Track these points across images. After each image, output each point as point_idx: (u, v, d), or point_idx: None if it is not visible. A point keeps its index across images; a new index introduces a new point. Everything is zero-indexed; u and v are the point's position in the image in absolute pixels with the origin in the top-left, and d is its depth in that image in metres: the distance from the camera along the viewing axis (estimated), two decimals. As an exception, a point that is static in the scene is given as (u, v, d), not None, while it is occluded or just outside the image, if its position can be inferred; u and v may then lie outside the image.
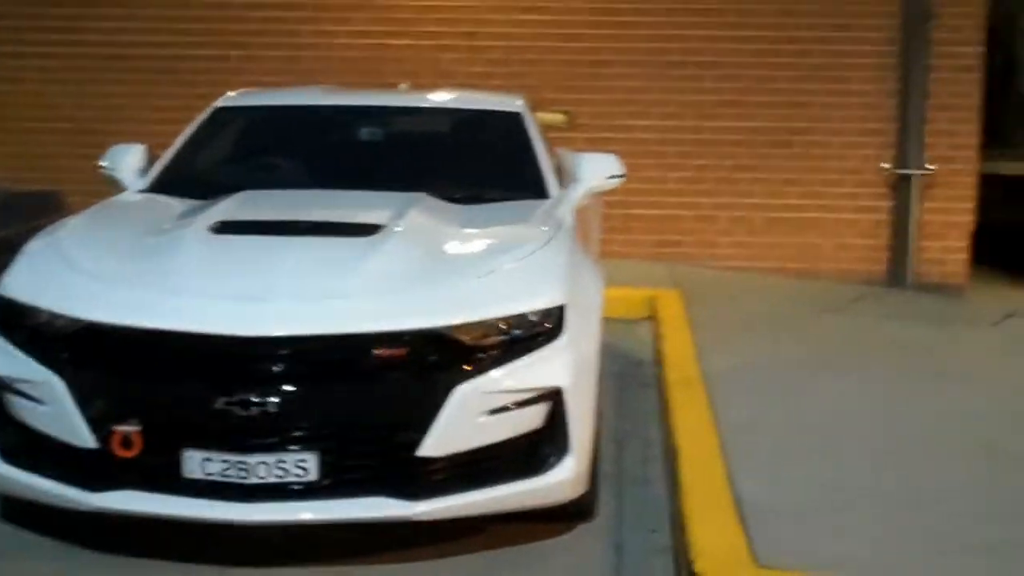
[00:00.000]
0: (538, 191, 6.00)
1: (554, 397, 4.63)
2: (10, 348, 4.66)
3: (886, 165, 10.55)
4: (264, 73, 10.72)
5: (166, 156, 6.27)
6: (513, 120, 6.50)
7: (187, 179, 6.10)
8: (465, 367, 4.48)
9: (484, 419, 4.50)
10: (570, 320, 4.70)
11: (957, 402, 6.49)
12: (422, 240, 4.99)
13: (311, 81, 10.38)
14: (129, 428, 4.41)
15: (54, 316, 4.61)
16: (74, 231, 5.24)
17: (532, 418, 4.61)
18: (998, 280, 10.97)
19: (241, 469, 4.36)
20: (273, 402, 4.34)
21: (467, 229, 5.25)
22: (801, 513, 4.76)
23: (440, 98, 6.93)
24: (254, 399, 4.34)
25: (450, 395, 4.43)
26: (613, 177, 6.27)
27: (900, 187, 10.53)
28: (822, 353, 7.56)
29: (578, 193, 6.11)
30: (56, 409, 4.51)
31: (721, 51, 10.66)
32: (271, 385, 4.36)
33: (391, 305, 4.53)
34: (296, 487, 4.40)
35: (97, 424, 4.46)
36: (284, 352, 4.41)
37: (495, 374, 4.50)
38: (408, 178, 5.97)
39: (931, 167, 10.44)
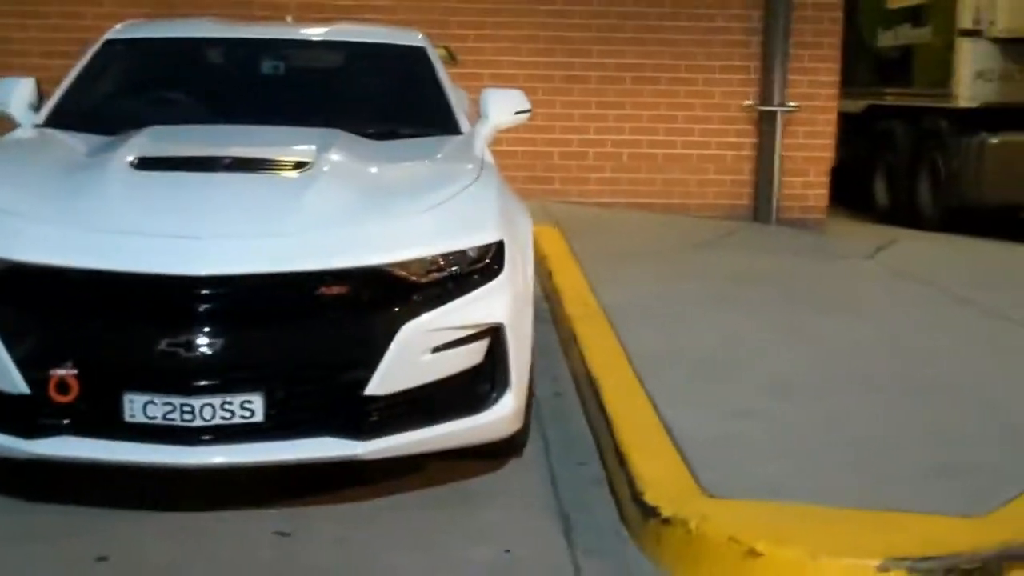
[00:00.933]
0: (449, 127, 5.97)
1: (494, 334, 4.63)
2: (-64, 294, 4.45)
3: (749, 102, 10.75)
4: (127, 4, 10.39)
5: (59, 90, 6.04)
6: (417, 54, 6.44)
7: (85, 114, 5.90)
8: (410, 305, 4.45)
9: (428, 357, 4.48)
10: (507, 256, 4.71)
11: (847, 332, 6.69)
12: (351, 177, 4.92)
13: (173, 12, 10.11)
14: (65, 372, 4.28)
15: None
16: None
17: (472, 355, 4.61)
18: (845, 215, 11.30)
19: (186, 412, 4.27)
20: (218, 343, 4.24)
21: (392, 165, 5.20)
22: (728, 441, 4.86)
23: (340, 32, 6.81)
24: (199, 340, 4.24)
25: (396, 333, 4.40)
26: (520, 112, 6.25)
27: (763, 124, 10.76)
28: (708, 286, 7.72)
29: (487, 129, 6.09)
30: (-15, 354, 4.34)
31: (588, -13, 10.72)
32: (215, 325, 4.26)
33: (333, 242, 4.46)
34: (242, 429, 4.32)
35: (28, 369, 4.30)
36: (228, 291, 4.30)
37: (439, 311, 4.48)
38: (317, 113, 5.87)
39: (794, 104, 10.68)
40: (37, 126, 5.84)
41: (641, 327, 6.54)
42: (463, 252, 4.60)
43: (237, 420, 4.31)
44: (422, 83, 6.26)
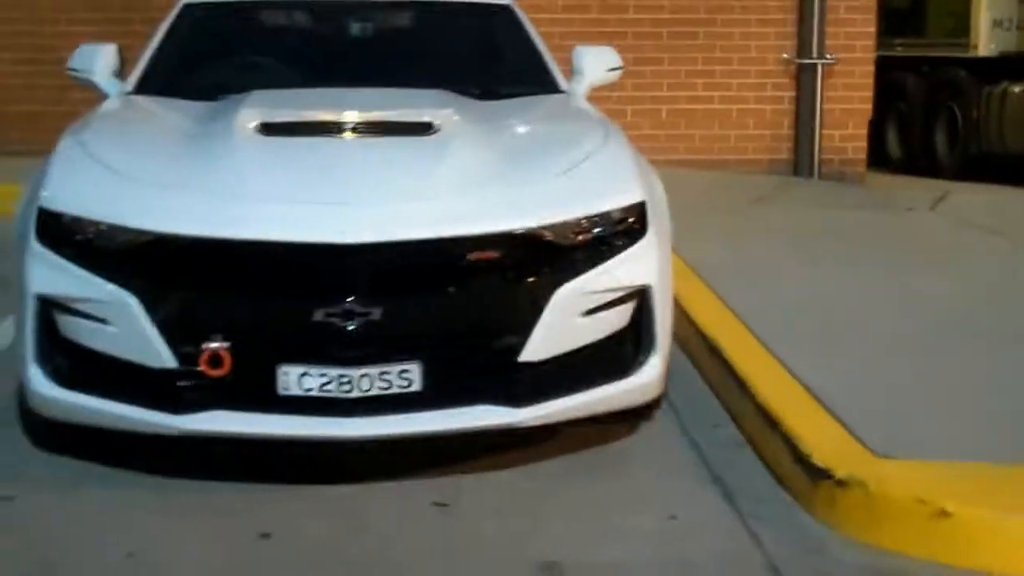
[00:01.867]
0: (549, 85, 5.85)
1: (641, 296, 4.53)
2: (66, 265, 4.29)
3: (787, 55, 10.65)
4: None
5: (143, 57, 5.85)
6: (505, 12, 6.29)
7: (176, 80, 5.74)
8: (563, 269, 4.34)
9: (579, 321, 4.38)
10: (650, 216, 4.59)
11: (943, 286, 6.62)
12: (483, 138, 4.78)
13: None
14: (218, 345, 4.14)
15: (118, 229, 4.26)
16: (103, 136, 4.85)
17: (620, 318, 4.51)
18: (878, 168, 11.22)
19: (343, 383, 4.14)
20: (376, 311, 4.12)
21: (517, 126, 5.08)
22: (874, 399, 4.77)
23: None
24: (357, 309, 4.11)
25: (551, 298, 4.29)
26: (613, 70, 6.14)
27: (802, 77, 10.65)
28: (784, 242, 7.63)
29: (583, 87, 5.96)
30: (127, 329, 4.19)
31: (624, -58, 10.56)
32: (372, 294, 4.14)
33: (484, 206, 4.35)
34: (399, 399, 4.20)
35: (177, 343, 4.17)
36: (384, 259, 4.18)
37: (591, 274, 4.37)
38: (414, 74, 5.74)
39: (832, 56, 10.58)
40: (128, 93, 5.66)
41: (736, 284, 6.43)
42: (608, 213, 4.48)
43: (395, 390, 4.19)
44: (515, 41, 6.13)
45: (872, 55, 10.77)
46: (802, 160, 10.65)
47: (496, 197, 4.39)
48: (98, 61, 5.87)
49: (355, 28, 6.18)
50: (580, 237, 4.40)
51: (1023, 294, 6.45)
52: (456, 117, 4.90)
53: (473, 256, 4.24)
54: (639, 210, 4.54)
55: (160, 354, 4.18)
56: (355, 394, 4.15)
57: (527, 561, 3.87)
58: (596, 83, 6.04)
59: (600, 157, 4.71)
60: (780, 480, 4.45)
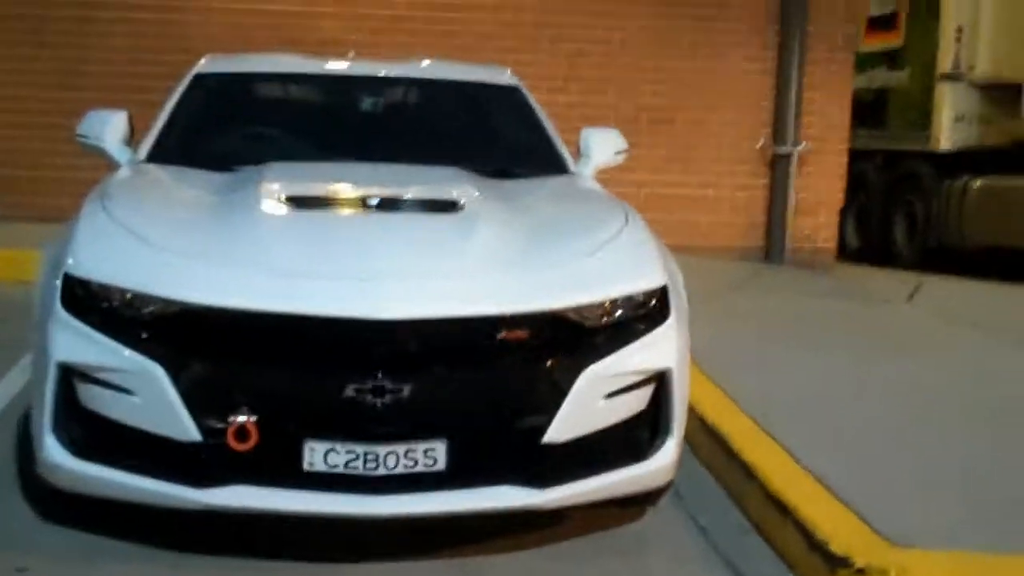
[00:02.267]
0: (559, 166, 5.92)
1: (660, 379, 4.57)
2: (91, 333, 4.26)
3: (762, 142, 10.82)
4: (136, 36, 10.20)
5: (156, 125, 5.88)
6: (514, 93, 6.37)
7: (188, 149, 5.76)
8: (588, 350, 4.38)
9: (601, 403, 4.41)
10: (671, 300, 4.66)
11: (931, 374, 6.72)
12: (506, 218, 4.83)
13: (184, 46, 9.95)
14: (246, 419, 4.13)
15: (146, 298, 4.24)
16: (127, 203, 4.86)
17: (639, 401, 4.54)
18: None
19: (370, 460, 4.14)
20: (404, 388, 4.13)
21: (537, 207, 5.12)
22: (883, 487, 4.82)
23: (435, 69, 6.73)
24: (385, 386, 4.12)
25: (577, 379, 4.32)
26: (619, 152, 6.23)
27: (777, 165, 10.83)
28: (768, 330, 7.71)
29: (591, 168, 6.04)
30: (151, 400, 4.17)
31: (606, 27, 10.71)
32: (401, 370, 4.14)
33: (513, 286, 4.38)
34: (423, 478, 4.20)
35: (201, 415, 4.16)
36: (413, 335, 4.19)
37: (616, 357, 4.41)
38: (429, 151, 5.81)
39: (808, 145, 10.77)
40: (143, 161, 5.67)
41: (731, 371, 6.50)
42: (632, 297, 4.54)
43: (419, 469, 4.19)
44: (523, 121, 6.21)
45: (845, 145, 10.98)
46: (774, 247, 10.80)
47: (524, 277, 4.42)
48: (108, 128, 5.89)
49: (366, 103, 6.24)
50: (605, 320, 4.44)
51: (1010, 384, 6.55)
52: (480, 196, 4.95)
53: (501, 336, 4.27)
54: (661, 294, 4.61)
55: (184, 426, 4.16)
56: (381, 472, 4.15)
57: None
58: (603, 165, 6.13)
59: (622, 240, 4.78)
60: (792, 567, 4.49)
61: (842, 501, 4.65)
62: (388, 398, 4.12)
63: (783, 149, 10.67)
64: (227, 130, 6.06)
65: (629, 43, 10.64)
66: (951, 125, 13.84)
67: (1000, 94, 13.54)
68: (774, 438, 5.38)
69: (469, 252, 4.51)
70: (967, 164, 13.63)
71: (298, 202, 4.78)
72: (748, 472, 5.08)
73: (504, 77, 6.58)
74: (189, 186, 5.23)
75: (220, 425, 4.14)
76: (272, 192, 4.84)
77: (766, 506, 4.85)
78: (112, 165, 5.79)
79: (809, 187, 10.84)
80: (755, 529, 4.87)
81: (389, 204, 4.85)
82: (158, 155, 5.69)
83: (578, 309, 4.38)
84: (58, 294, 4.37)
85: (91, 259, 4.43)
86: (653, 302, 4.58)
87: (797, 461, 5.09)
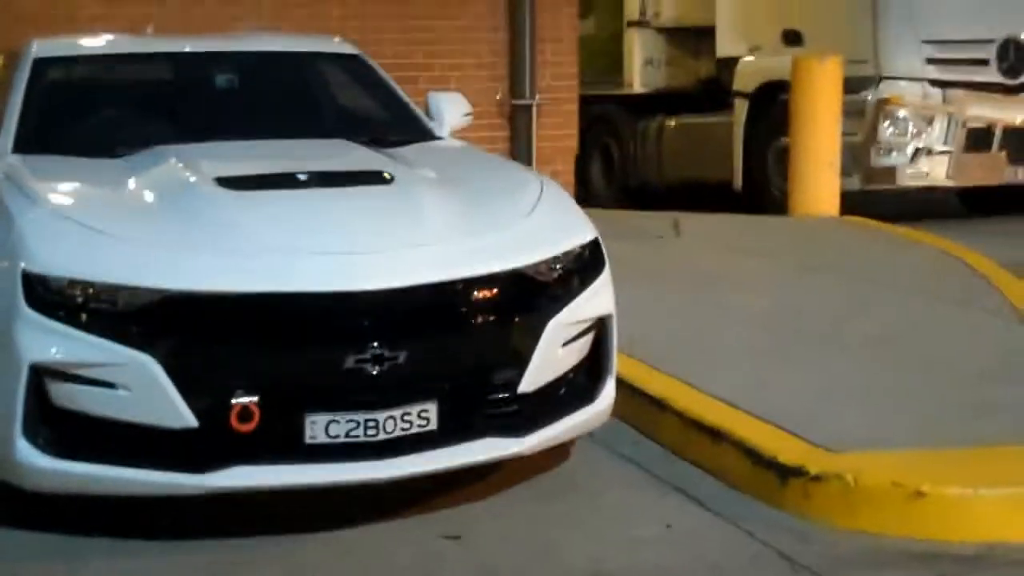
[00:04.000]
0: (424, 132, 6.08)
1: (600, 325, 4.87)
2: (67, 330, 4.19)
3: (499, 96, 11.18)
4: None
5: (10, 114, 5.64)
6: (358, 62, 6.45)
7: (59, 138, 5.58)
8: (549, 304, 4.64)
9: (560, 351, 4.68)
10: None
11: (744, 302, 7.29)
12: (436, 187, 4.99)
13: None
14: (248, 400, 4.18)
15: (124, 289, 4.21)
16: (58, 195, 4.74)
17: (585, 347, 4.84)
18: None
19: (370, 427, 4.27)
20: (397, 355, 4.28)
21: (451, 173, 5.26)
22: (791, 405, 5.28)
23: (278, 42, 6.78)
24: (378, 354, 4.26)
25: (543, 331, 4.57)
26: (467, 115, 6.43)
27: (517, 117, 11.20)
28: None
29: (445, 132, 6.23)
30: (142, 391, 4.16)
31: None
32: (391, 338, 4.30)
33: (478, 249, 4.59)
34: (418, 439, 4.37)
35: (197, 401, 4.18)
36: (399, 303, 4.35)
37: (571, 307, 4.69)
38: (299, 126, 5.89)
39: (544, 97, 11.21)
40: (13, 152, 5.44)
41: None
42: (575, 250, 4.81)
43: (414, 430, 4.36)
44: (376, 89, 6.31)
45: (575, 95, 11.48)
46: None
47: (485, 240, 4.63)
48: None
49: (219, 80, 6.15)
50: (556, 274, 4.70)
51: (832, 309, 7.16)
52: (401, 167, 5.09)
53: (476, 297, 4.48)
54: (595, 245, 4.90)
55: (180, 414, 4.17)
56: (381, 437, 4.29)
57: (575, 573, 4.16)
58: (455, 127, 6.31)
59: (549, 200, 5.03)
60: (734, 484, 4.88)
61: (762, 419, 5.10)
62: (386, 365, 4.26)
63: (522, 101, 11.06)
64: (87, 116, 5.87)
65: (369, 2, 10.75)
66: (642, 69, 14.59)
67: (683, 38, 14.39)
68: (664, 371, 5.76)
69: (427, 221, 4.67)
70: (658, 106, 14.42)
71: (232, 183, 4.79)
72: (657, 404, 5.45)
73: (343, 47, 6.65)
74: (97, 175, 5.11)
75: (218, 409, 4.18)
76: (202, 175, 4.83)
77: (686, 432, 5.24)
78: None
79: (546, 137, 11.28)
80: (678, 456, 5.24)
81: (320, 179, 4.93)
82: (24, 147, 5.48)
83: (535, 266, 4.63)
84: (20, 293, 4.24)
85: (49, 254, 4.32)
86: (589, 254, 4.87)
87: (699, 389, 5.51)
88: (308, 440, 4.25)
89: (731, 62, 13.02)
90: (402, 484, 4.51)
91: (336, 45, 6.70)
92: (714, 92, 13.75)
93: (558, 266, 4.71)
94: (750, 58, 12.69)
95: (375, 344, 4.25)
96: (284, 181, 4.88)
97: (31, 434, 4.24)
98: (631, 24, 14.60)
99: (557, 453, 5.10)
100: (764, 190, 12.32)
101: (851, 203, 10.75)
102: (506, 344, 4.53)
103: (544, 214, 4.92)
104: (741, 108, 12.73)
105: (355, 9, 10.80)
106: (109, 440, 4.24)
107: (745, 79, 12.69)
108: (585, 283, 4.78)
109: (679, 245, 9.17)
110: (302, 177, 4.94)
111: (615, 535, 4.51)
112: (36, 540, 4.41)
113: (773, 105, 12.16)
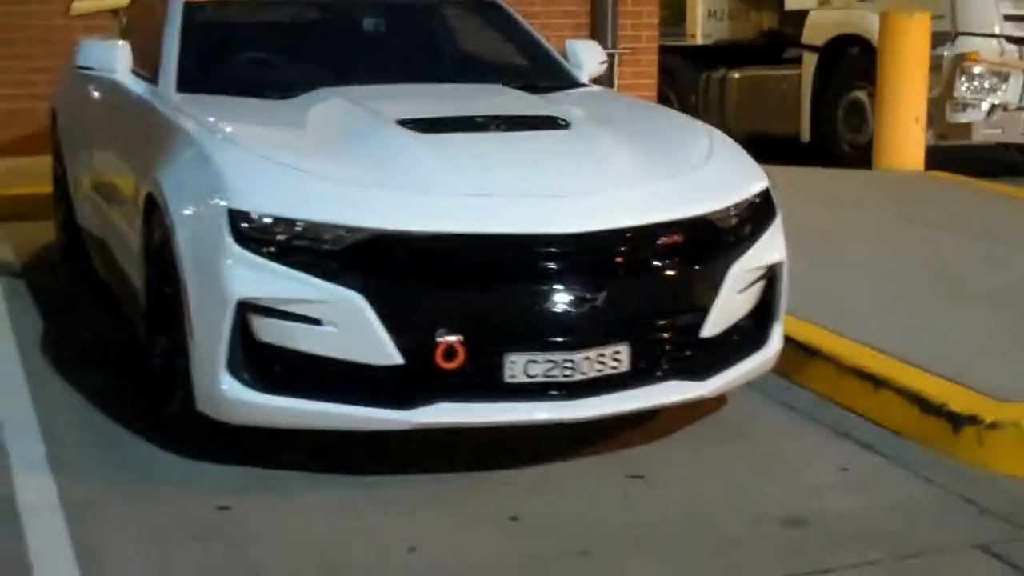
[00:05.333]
0: (570, 78, 6.13)
1: (772, 272, 4.95)
2: (276, 267, 4.27)
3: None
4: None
5: (168, 55, 5.69)
6: (499, 10, 6.49)
7: (220, 79, 5.65)
8: (731, 249, 4.72)
9: (739, 297, 4.77)
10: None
11: (890, 256, 7.37)
12: (612, 134, 5.05)
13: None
14: (454, 338, 4.27)
15: (330, 227, 4.28)
16: (248, 134, 4.79)
17: (756, 293, 4.92)
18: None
19: (567, 367, 4.35)
20: (595, 297, 4.36)
21: (619, 121, 5.32)
22: (949, 355, 5.34)
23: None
24: (578, 296, 4.34)
25: (726, 276, 4.65)
26: (603, 63, 6.49)
27: (598, 66, 11.25)
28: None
29: (586, 79, 6.28)
30: (351, 329, 4.25)
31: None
32: (590, 280, 4.38)
33: (665, 195, 4.67)
34: (610, 380, 4.45)
35: (403, 339, 4.26)
36: (598, 246, 4.43)
37: (751, 253, 4.77)
38: (451, 70, 6.02)
39: (625, 47, 11.24)
40: (178, 92, 5.49)
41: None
42: (750, 199, 4.89)
43: (607, 371, 4.44)
44: (519, 36, 6.36)
45: (655, 45, 11.53)
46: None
47: (671, 186, 4.72)
48: (117, 58, 5.69)
49: (369, 24, 6.23)
50: (735, 221, 4.78)
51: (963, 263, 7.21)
52: (576, 111, 5.16)
53: (667, 241, 4.55)
54: (767, 193, 4.97)
55: (387, 351, 4.26)
56: (577, 377, 4.37)
57: (768, 518, 4.25)
58: (593, 75, 6.36)
59: (721, 148, 5.11)
60: (898, 431, 4.97)
61: (922, 367, 5.18)
62: (584, 307, 4.34)
63: (606, 51, 11.08)
64: (242, 58, 5.93)
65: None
66: (704, 20, 14.59)
67: (744, -11, 14.40)
68: (805, 319, 5.83)
69: (612, 166, 4.75)
70: (720, 58, 14.43)
71: (415, 124, 4.84)
72: (807, 351, 5.52)
73: None
74: (273, 115, 5.17)
75: (424, 347, 4.26)
76: (383, 117, 4.90)
77: (841, 379, 5.32)
78: (127, 93, 5.65)
79: (627, 86, 11.31)
80: (832, 402, 5.33)
81: (502, 123, 4.99)
82: (186, 86, 5.53)
83: (718, 212, 4.71)
84: (226, 230, 4.32)
85: (253, 192, 4.39)
86: (763, 201, 4.94)
87: (848, 337, 5.58)
88: (507, 379, 4.33)
89: (799, 15, 13.00)
90: (576, 424, 4.61)
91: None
92: (776, 45, 13.80)
93: (737, 213, 4.78)
94: (820, 11, 12.67)
95: (576, 286, 4.32)
96: (464, 124, 4.94)
97: (236, 369, 4.33)
98: (695, -24, 14.59)
99: (716, 398, 5.21)
100: (833, 144, 12.37)
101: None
102: (691, 289, 4.61)
103: (720, 162, 4.99)
104: (810, 61, 12.72)
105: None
106: (314, 375, 4.33)
107: (815, 32, 12.67)
108: (761, 230, 4.86)
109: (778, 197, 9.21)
110: (480, 120, 5.00)
111: (795, 479, 4.60)
112: (238, 473, 4.51)
113: (844, 58, 12.21)
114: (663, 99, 15.03)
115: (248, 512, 4.22)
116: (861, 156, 11.26)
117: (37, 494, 4.31)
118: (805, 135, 12.69)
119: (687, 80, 14.77)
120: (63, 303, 6.66)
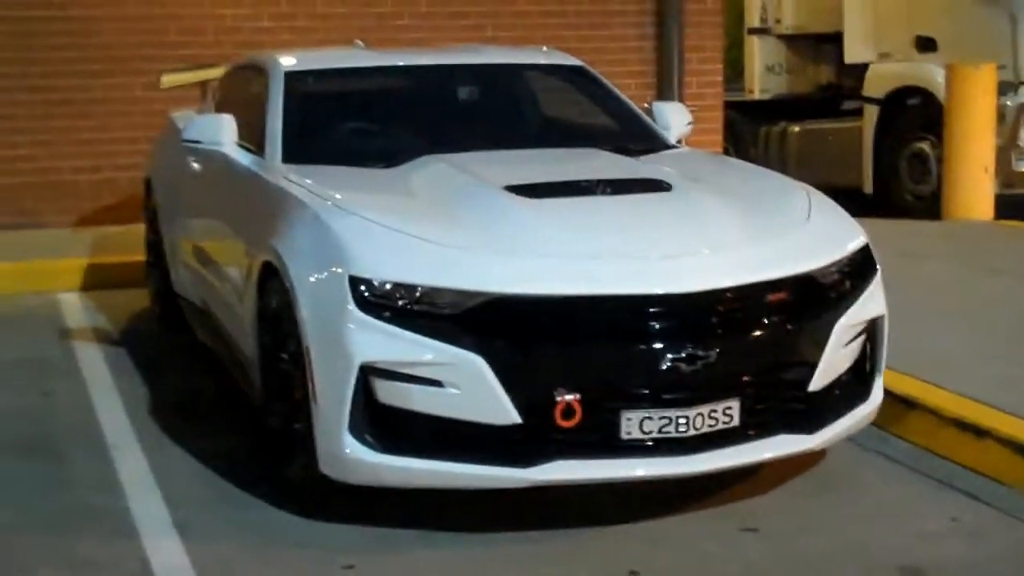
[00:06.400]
0: (660, 140, 6.27)
1: (873, 326, 5.04)
2: (397, 331, 4.40)
3: (647, 104, 11.35)
4: (30, 36, 9.92)
5: (273, 126, 5.87)
6: (584, 73, 6.66)
7: (324, 148, 5.82)
8: (835, 305, 4.81)
9: (842, 351, 4.86)
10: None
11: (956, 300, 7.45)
12: (712, 194, 5.16)
13: (88, 43, 9.85)
14: (572, 397, 4.38)
15: (449, 292, 4.41)
16: (360, 203, 4.94)
17: (859, 346, 5.01)
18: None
19: (680, 423, 4.45)
20: (707, 355, 4.46)
21: (718, 182, 5.43)
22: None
23: (498, 55, 6.97)
24: (690, 354, 4.44)
25: (832, 332, 4.75)
26: (689, 124, 6.62)
27: (665, 124, 11.40)
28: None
29: (673, 141, 6.41)
30: (471, 389, 4.37)
31: (499, 1, 11.02)
32: (701, 339, 4.48)
33: (770, 254, 4.77)
34: (722, 435, 4.55)
35: (520, 398, 4.38)
36: (710, 305, 4.53)
37: (854, 309, 4.86)
38: (546, 134, 6.17)
39: (691, 104, 11.38)
40: (284, 162, 5.67)
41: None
42: (852, 255, 4.99)
43: (719, 427, 4.54)
44: (607, 99, 6.52)
45: (720, 101, 11.68)
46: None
47: (776, 246, 4.82)
48: (223, 131, 5.88)
49: (462, 92, 6.40)
50: (838, 278, 4.88)
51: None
52: (674, 173, 5.30)
53: (773, 299, 4.66)
54: (867, 249, 5.08)
55: (507, 411, 4.38)
56: (690, 433, 4.47)
57: (886, 568, 4.32)
58: (680, 136, 6.50)
59: (819, 207, 5.22)
60: (1002, 480, 5.02)
61: (1017, 415, 5.24)
62: (698, 364, 4.44)
63: (672, 110, 11.27)
64: (342, 128, 6.11)
65: (520, 14, 10.99)
66: (762, 75, 14.72)
67: (804, 45, 14.51)
68: (900, 371, 5.90)
69: (717, 226, 4.86)
70: (778, 112, 14.55)
71: (522, 190, 4.98)
72: (905, 403, 5.59)
73: (569, 58, 6.85)
74: (380, 184, 5.33)
75: (542, 406, 4.38)
76: (490, 183, 5.04)
77: (940, 429, 5.39)
78: (234, 167, 5.83)
79: (693, 143, 11.42)
80: (930, 452, 5.39)
81: (607, 187, 5.12)
82: (292, 156, 5.71)
83: (822, 270, 4.81)
84: (349, 296, 4.46)
85: (372, 258, 4.53)
86: (864, 257, 5.04)
87: (943, 387, 5.65)
88: (624, 436, 4.44)
89: (858, 68, 13.12)
90: (686, 479, 4.71)
91: (562, 57, 6.89)
92: (835, 98, 13.93)
93: (840, 269, 4.88)
94: (881, 64, 12.77)
95: (689, 344, 4.43)
96: (571, 189, 5.08)
97: (359, 431, 4.46)
98: (752, 31, 14.71)
99: (809, 456, 5.28)
100: (896, 195, 12.45)
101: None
102: (799, 344, 4.71)
103: (820, 219, 5.10)
104: (871, 113, 12.82)
105: (508, 20, 11.04)
106: (435, 436, 4.45)
107: (876, 84, 12.78)
108: (863, 285, 4.96)
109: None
110: (585, 184, 5.13)
111: (906, 528, 4.67)
112: (359, 532, 4.62)
113: (904, 110, 12.31)
114: (724, 154, 15.23)
115: (373, 571, 4.33)
116: (925, 207, 11.35)
117: (169, 557, 4.45)
118: (868, 187, 12.78)
119: (746, 134, 14.89)
120: (166, 370, 6.82)
